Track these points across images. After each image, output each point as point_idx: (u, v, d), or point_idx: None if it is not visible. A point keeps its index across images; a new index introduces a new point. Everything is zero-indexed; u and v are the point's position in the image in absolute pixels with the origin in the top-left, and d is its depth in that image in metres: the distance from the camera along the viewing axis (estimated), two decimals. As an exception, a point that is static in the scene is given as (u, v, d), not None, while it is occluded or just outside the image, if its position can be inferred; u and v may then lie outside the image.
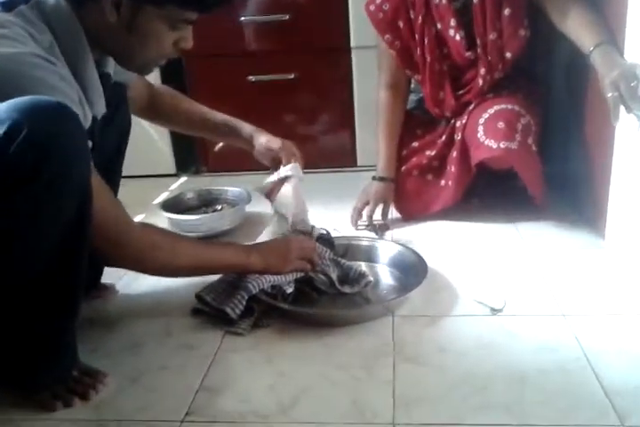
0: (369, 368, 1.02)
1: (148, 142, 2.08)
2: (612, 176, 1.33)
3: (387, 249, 1.37)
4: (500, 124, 1.44)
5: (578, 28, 1.30)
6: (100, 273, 1.33)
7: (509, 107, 1.48)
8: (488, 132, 1.45)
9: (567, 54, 1.56)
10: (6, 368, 0.96)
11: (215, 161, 2.18)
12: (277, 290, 1.18)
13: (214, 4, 0.99)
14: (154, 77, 2.08)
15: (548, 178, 1.55)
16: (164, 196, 1.97)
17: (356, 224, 1.59)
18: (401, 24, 1.53)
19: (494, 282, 1.27)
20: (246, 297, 1.15)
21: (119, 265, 1.06)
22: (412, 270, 1.27)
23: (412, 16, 1.52)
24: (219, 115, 1.39)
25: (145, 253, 1.02)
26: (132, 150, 2.01)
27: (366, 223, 1.59)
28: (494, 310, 1.17)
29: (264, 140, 1.34)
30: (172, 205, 1.71)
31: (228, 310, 1.14)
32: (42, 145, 0.76)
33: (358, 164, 2.10)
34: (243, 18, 2.00)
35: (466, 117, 1.54)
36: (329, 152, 2.13)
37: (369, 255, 1.38)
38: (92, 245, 0.91)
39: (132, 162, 2.11)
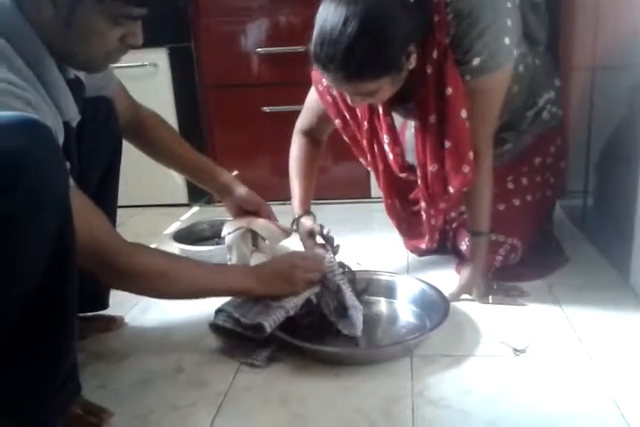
0: (387, 412, 0.97)
1: (160, 172, 2.05)
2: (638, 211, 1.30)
3: (407, 285, 1.33)
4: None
5: (481, 204, 1.29)
6: (105, 293, 1.27)
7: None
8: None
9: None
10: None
11: (228, 191, 2.15)
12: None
13: None
14: (167, 105, 2.12)
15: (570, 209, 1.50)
16: (175, 226, 1.95)
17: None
18: (347, 115, 1.35)
19: (517, 322, 1.23)
20: (284, 316, 1.11)
21: (112, 287, 1.03)
22: (432, 308, 1.22)
23: (359, 115, 1.34)
24: (200, 155, 1.35)
25: (138, 279, 0.98)
26: (143, 180, 2.03)
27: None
28: (517, 351, 1.12)
29: (244, 192, 1.33)
30: (185, 236, 1.69)
31: (266, 325, 1.08)
32: (12, 157, 0.71)
33: (372, 195, 2.08)
34: (259, 49, 2.02)
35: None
36: (343, 183, 2.11)
37: (389, 291, 1.33)
38: (82, 265, 0.84)
39: (143, 191, 2.14)
